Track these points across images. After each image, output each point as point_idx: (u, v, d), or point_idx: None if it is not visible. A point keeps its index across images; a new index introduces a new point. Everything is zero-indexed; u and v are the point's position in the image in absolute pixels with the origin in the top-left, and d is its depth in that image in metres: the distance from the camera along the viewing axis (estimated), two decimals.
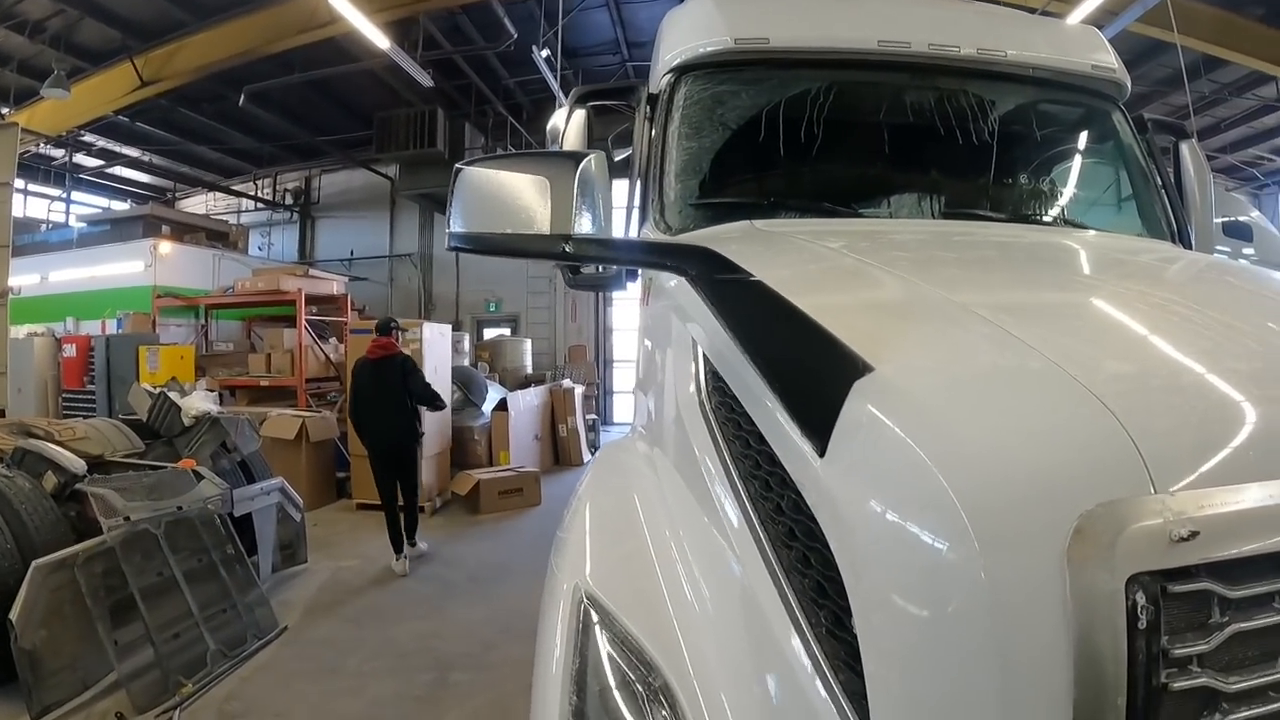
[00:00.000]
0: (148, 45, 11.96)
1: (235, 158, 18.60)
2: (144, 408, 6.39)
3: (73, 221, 17.59)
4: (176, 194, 21.03)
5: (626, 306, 16.26)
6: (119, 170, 19.06)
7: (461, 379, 10.97)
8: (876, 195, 2.42)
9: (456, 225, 1.56)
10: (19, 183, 13.92)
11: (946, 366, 1.03)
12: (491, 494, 8.83)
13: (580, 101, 2.61)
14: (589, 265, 2.53)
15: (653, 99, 2.51)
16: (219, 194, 20.40)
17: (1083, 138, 2.63)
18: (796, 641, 1.05)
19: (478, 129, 16.64)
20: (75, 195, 19.07)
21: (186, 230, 15.34)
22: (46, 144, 15.31)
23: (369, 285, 17.92)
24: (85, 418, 7.52)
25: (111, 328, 12.76)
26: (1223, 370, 0.96)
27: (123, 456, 5.60)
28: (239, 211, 20.44)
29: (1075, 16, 8.20)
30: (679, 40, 2.47)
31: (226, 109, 14.38)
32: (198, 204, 20.78)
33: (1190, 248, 2.43)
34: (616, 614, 1.25)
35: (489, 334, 17.73)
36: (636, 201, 2.44)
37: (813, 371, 1.12)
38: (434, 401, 7.00)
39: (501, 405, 10.64)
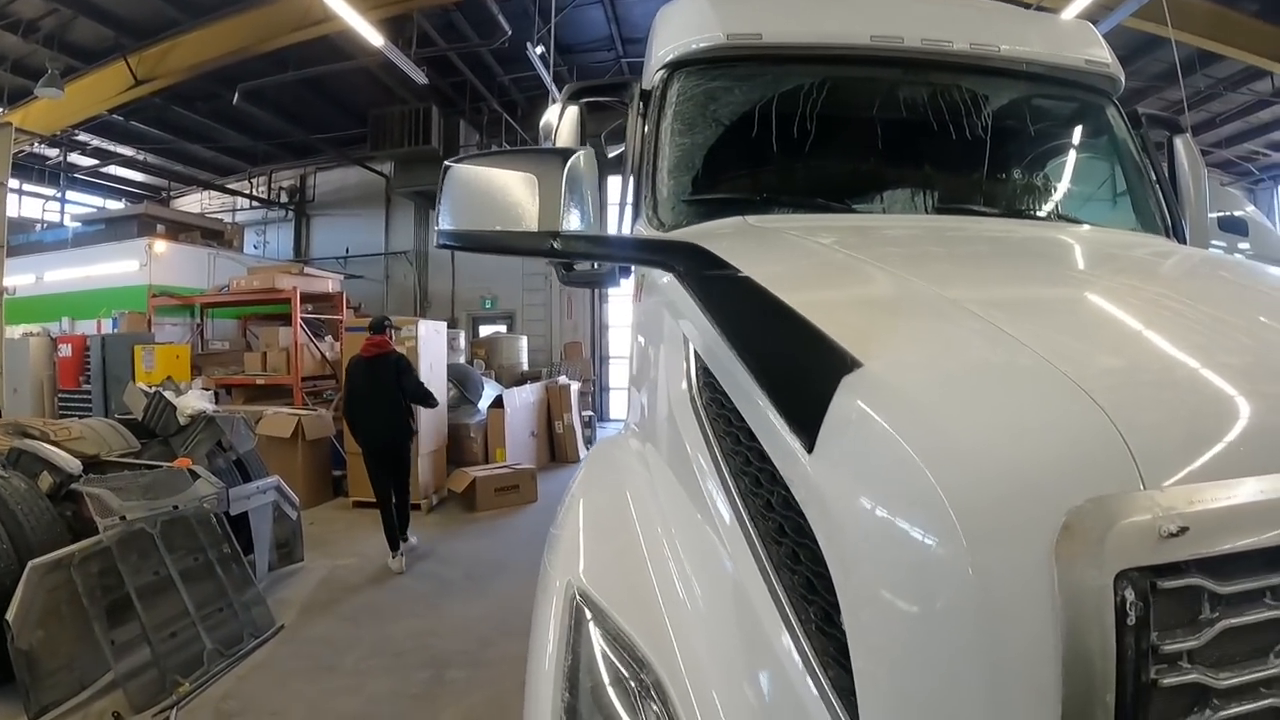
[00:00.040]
0: (141, 44, 11.93)
1: (230, 156, 18.54)
2: (139, 407, 6.37)
3: (67, 221, 17.57)
4: (171, 193, 20.97)
5: (622, 303, 16.22)
6: (113, 169, 19.03)
7: (457, 376, 10.96)
8: (870, 190, 2.41)
9: (445, 223, 1.56)
10: (13, 182, 13.89)
11: (935, 362, 1.03)
12: (488, 491, 8.83)
13: (573, 98, 2.61)
14: (581, 262, 2.52)
15: (645, 95, 2.50)
16: (214, 192, 20.37)
17: (1077, 133, 2.63)
18: (786, 638, 1.05)
19: (473, 126, 16.63)
20: (70, 195, 19.03)
21: (181, 229, 15.33)
22: (41, 143, 15.27)
23: (364, 283, 17.90)
24: (81, 417, 7.50)
25: (107, 327, 12.76)
26: (1214, 365, 0.95)
27: (118, 456, 5.59)
28: (234, 210, 20.40)
29: (1070, 11, 8.18)
30: (672, 36, 2.46)
31: (221, 107, 14.35)
32: (192, 203, 20.75)
33: (1185, 242, 2.43)
34: (609, 610, 1.25)
35: (485, 331, 17.73)
36: (630, 198, 2.43)
37: (801, 367, 1.12)
38: (427, 400, 7.06)
39: (497, 402, 10.63)
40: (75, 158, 17.79)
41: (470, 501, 8.81)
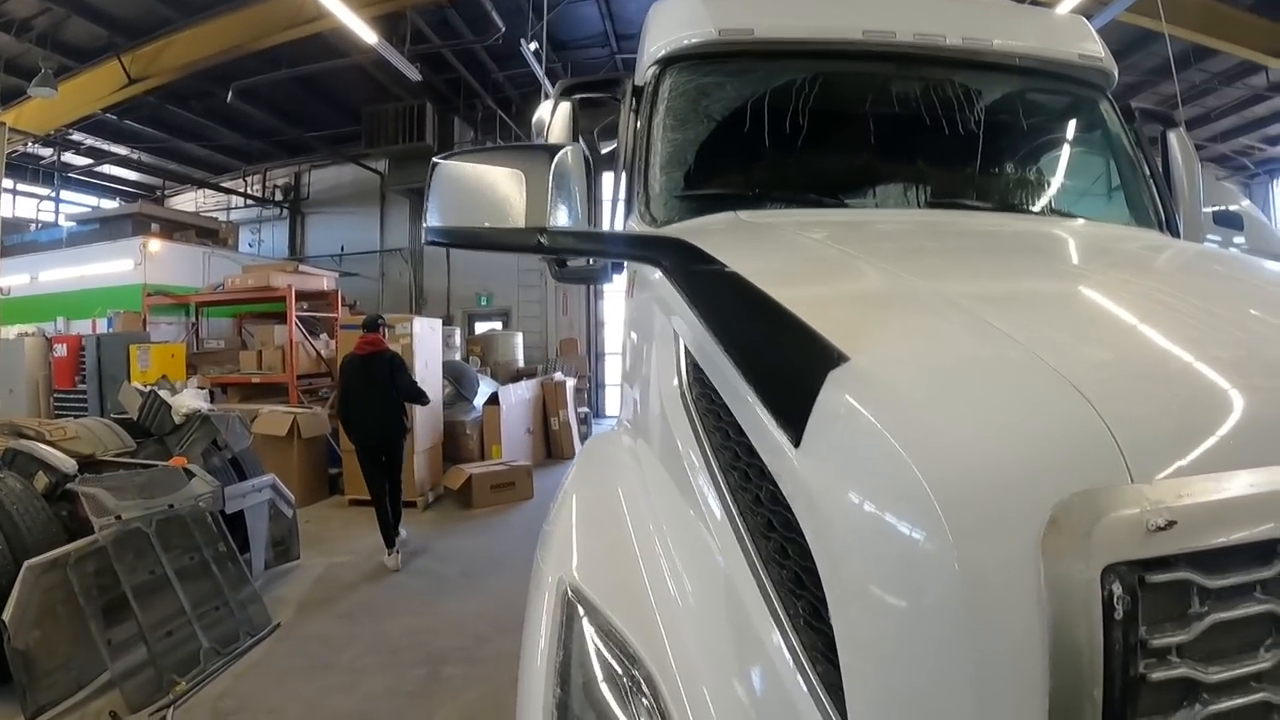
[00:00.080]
0: (135, 43, 11.89)
1: (224, 154, 18.50)
2: (135, 406, 6.36)
3: (62, 221, 17.52)
4: (166, 192, 20.95)
5: (617, 299, 16.19)
6: (108, 168, 18.97)
7: (453, 373, 10.95)
8: (862, 185, 2.41)
9: (434, 219, 1.56)
10: (7, 182, 13.87)
11: (922, 356, 1.02)
12: (484, 488, 8.83)
13: (565, 94, 2.60)
14: (574, 258, 2.52)
15: (638, 91, 2.50)
16: (208, 191, 20.32)
17: (1070, 127, 2.63)
18: (776, 633, 1.05)
19: (467, 123, 16.61)
20: (64, 194, 19.02)
21: (176, 228, 15.26)
22: (34, 143, 15.25)
23: (360, 280, 17.89)
24: (76, 417, 7.48)
25: (102, 327, 12.69)
26: (1204, 358, 0.95)
27: (114, 455, 5.58)
28: (229, 208, 20.36)
29: (1063, 6, 8.18)
30: (664, 32, 2.46)
31: (215, 106, 14.30)
32: (187, 201, 20.69)
33: (1178, 236, 2.43)
34: (600, 606, 1.25)
35: (480, 328, 17.67)
36: (622, 193, 2.43)
37: (788, 362, 1.11)
38: (419, 398, 7.08)
39: (493, 399, 10.62)
40: (69, 157, 17.74)
41: (466, 498, 8.81)
